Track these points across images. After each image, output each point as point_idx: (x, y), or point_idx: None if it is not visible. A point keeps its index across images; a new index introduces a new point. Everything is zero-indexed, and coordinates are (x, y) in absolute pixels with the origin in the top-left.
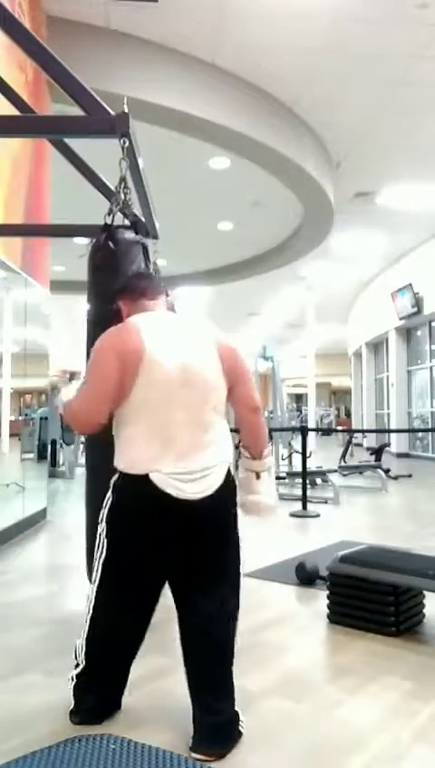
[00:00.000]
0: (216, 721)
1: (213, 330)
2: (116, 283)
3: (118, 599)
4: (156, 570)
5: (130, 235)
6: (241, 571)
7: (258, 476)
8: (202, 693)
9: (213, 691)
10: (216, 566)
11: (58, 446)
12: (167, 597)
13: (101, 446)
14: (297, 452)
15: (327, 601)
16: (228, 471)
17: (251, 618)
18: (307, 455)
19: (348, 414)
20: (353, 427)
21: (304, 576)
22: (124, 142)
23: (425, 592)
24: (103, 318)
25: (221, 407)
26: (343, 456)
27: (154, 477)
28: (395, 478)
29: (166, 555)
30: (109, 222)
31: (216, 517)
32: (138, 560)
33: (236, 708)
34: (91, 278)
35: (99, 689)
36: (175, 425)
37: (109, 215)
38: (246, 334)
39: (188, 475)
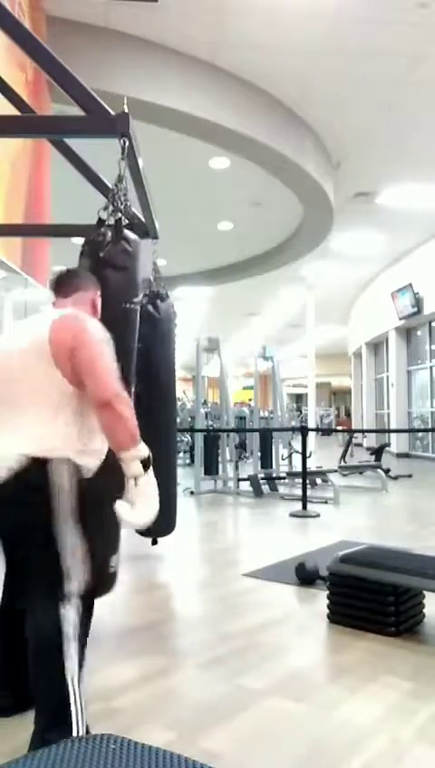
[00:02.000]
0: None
1: (67, 321)
2: (128, 282)
3: None
4: None
5: (133, 234)
6: (67, 589)
7: (136, 482)
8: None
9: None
10: (16, 569)
11: None
12: (165, 597)
13: None
14: (297, 452)
15: (327, 601)
16: (34, 466)
17: (251, 618)
18: (307, 455)
19: (348, 414)
20: (353, 427)
21: (304, 576)
22: (124, 142)
23: (425, 592)
24: (115, 318)
25: (42, 396)
26: (343, 456)
27: None
28: (395, 478)
29: None
30: (110, 220)
31: (4, 516)
32: None
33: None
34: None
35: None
36: None
37: (105, 209)
38: (246, 334)
39: None
